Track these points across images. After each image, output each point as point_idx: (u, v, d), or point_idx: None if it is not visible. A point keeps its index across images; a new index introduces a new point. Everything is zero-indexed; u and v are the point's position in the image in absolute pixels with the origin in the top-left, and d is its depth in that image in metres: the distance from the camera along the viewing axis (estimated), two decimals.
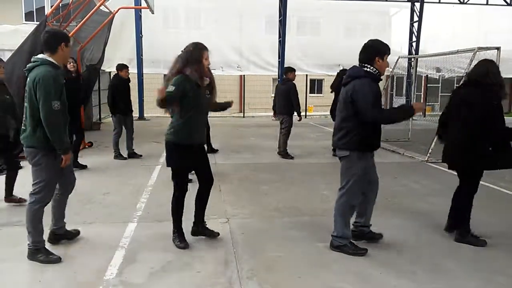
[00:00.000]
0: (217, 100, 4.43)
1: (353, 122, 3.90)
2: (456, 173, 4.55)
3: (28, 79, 3.69)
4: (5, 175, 5.56)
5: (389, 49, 4.01)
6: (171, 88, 3.82)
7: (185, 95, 3.87)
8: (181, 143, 4.00)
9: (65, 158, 3.75)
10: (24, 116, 3.78)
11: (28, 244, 3.81)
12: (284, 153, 9.01)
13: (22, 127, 3.81)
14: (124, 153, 8.74)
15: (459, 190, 4.53)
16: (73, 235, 4.31)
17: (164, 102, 3.83)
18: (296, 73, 9.17)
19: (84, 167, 7.58)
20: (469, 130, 4.16)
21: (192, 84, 3.89)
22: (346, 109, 3.95)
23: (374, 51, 3.96)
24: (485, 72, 4.16)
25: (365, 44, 4.05)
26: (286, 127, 8.92)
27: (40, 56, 3.75)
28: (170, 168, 4.20)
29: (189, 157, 4.05)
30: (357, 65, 4.02)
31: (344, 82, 4.06)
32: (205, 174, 4.29)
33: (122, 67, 8.74)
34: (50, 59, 3.71)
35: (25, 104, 3.73)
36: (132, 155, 8.73)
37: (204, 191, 4.33)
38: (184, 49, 3.97)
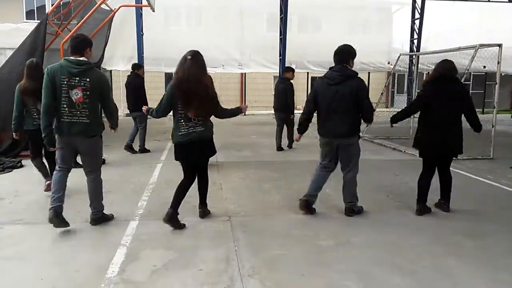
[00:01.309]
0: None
1: (356, 115, 4.80)
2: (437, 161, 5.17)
3: (85, 77, 4.31)
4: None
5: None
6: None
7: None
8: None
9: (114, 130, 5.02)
10: (70, 110, 4.31)
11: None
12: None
13: (80, 120, 4.34)
14: (136, 148, 9.11)
15: (446, 174, 5.25)
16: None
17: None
18: (297, 70, 9.44)
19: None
20: (460, 121, 4.98)
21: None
22: (351, 104, 4.72)
23: (350, 54, 4.81)
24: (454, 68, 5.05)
25: (340, 47, 4.83)
26: (289, 124, 9.48)
27: (85, 59, 4.39)
28: (176, 164, 4.82)
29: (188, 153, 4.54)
30: (342, 66, 4.76)
31: (337, 80, 4.72)
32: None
33: (139, 67, 9.50)
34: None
35: (71, 99, 4.30)
36: (144, 150, 9.13)
37: (201, 185, 4.87)
38: (194, 55, 4.39)
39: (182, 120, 4.43)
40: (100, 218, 4.70)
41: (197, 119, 4.40)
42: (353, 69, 4.84)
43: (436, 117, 4.94)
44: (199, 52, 4.42)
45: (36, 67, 5.74)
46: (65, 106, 4.28)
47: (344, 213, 5.07)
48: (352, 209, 5.07)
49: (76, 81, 4.28)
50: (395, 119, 5.40)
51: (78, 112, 4.31)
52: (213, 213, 5.08)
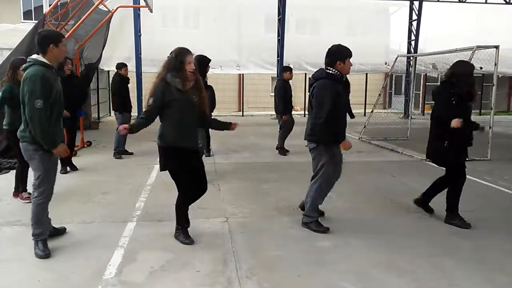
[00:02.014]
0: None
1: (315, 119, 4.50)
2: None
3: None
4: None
5: (350, 53, 4.50)
6: (150, 100, 3.96)
7: (166, 102, 3.94)
8: (167, 146, 4.05)
9: (55, 152, 3.88)
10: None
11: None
12: (280, 149, 9.29)
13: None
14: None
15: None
16: (60, 232, 4.40)
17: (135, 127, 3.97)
18: (295, 71, 9.29)
19: (76, 169, 7.48)
20: None
21: (173, 90, 3.93)
22: (312, 107, 4.57)
23: (335, 55, 4.47)
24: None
25: (328, 49, 4.53)
26: (282, 125, 9.28)
27: (34, 56, 3.86)
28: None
29: (177, 159, 4.06)
30: (322, 68, 4.58)
31: (310, 83, 4.70)
32: (199, 182, 4.25)
33: (122, 66, 8.82)
34: (42, 59, 3.81)
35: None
36: (124, 152, 8.82)
37: (194, 196, 4.31)
38: (169, 54, 4.05)
39: None
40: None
41: None
42: (351, 69, 4.57)
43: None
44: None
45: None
46: None
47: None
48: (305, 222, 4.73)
49: None
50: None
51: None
52: (211, 214, 5.07)
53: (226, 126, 4.40)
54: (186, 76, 3.99)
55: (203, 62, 6.02)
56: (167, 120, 4.04)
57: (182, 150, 4.03)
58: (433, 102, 5.04)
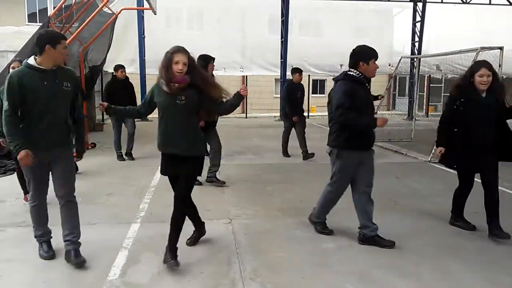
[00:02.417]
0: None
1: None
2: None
3: None
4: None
5: (375, 53, 4.20)
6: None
7: (154, 104, 3.81)
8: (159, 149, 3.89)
9: (18, 159, 3.62)
10: None
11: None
12: (304, 153, 9.04)
13: None
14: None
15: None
16: None
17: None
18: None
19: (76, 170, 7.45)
20: None
21: (161, 92, 3.72)
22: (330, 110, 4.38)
23: (358, 56, 4.20)
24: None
25: (352, 49, 4.28)
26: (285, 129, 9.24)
27: (29, 58, 3.68)
28: None
29: (167, 164, 3.92)
30: (344, 72, 4.31)
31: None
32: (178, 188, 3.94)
33: (118, 68, 8.93)
34: (31, 61, 3.61)
35: None
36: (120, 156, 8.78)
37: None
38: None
39: None
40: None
41: None
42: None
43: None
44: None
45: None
46: None
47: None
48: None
49: None
50: None
51: None
52: (214, 216, 5.08)
53: (237, 99, 3.94)
54: (172, 76, 3.62)
55: (204, 60, 5.90)
56: (158, 125, 3.83)
57: (170, 156, 3.84)
58: None
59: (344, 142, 4.24)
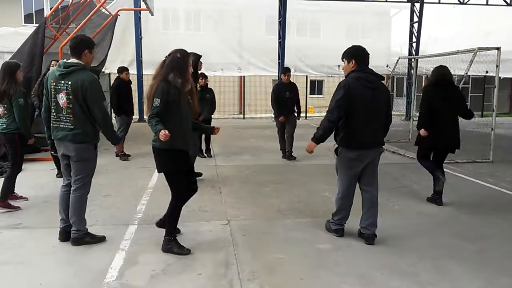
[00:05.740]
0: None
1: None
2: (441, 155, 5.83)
3: (68, 80, 3.96)
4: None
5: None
6: (156, 102, 3.81)
7: (170, 102, 3.84)
8: (166, 148, 3.90)
9: (119, 147, 4.49)
10: (57, 115, 4.07)
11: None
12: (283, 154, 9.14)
13: (65, 125, 4.04)
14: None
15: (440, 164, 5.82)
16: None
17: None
18: (296, 74, 9.22)
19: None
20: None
21: (174, 90, 3.85)
22: (383, 111, 4.40)
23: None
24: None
25: (362, 48, 4.67)
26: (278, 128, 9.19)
27: (75, 60, 4.03)
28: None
29: (175, 160, 3.99)
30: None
31: (375, 85, 4.50)
32: (192, 182, 4.24)
33: (122, 70, 9.13)
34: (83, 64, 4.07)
35: (58, 103, 4.03)
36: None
37: (188, 197, 4.25)
38: (169, 55, 3.95)
39: None
40: (79, 238, 4.23)
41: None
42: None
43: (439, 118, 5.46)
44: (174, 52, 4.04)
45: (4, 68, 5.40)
46: (53, 110, 4.10)
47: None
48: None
49: (61, 84, 3.99)
50: (421, 126, 5.64)
51: (64, 117, 4.04)
52: (212, 217, 5.06)
53: (210, 130, 4.57)
54: (188, 78, 3.98)
55: (196, 60, 5.77)
56: (167, 121, 3.85)
57: (180, 151, 3.97)
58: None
59: (342, 140, 4.40)
